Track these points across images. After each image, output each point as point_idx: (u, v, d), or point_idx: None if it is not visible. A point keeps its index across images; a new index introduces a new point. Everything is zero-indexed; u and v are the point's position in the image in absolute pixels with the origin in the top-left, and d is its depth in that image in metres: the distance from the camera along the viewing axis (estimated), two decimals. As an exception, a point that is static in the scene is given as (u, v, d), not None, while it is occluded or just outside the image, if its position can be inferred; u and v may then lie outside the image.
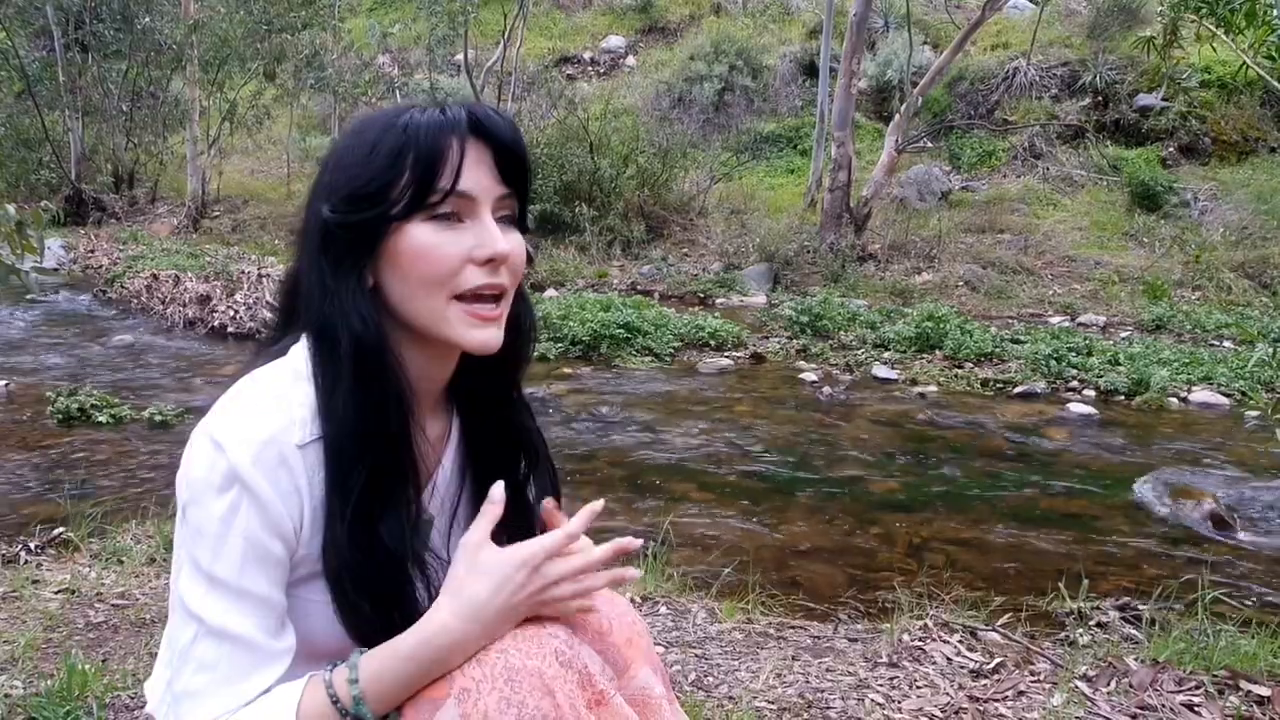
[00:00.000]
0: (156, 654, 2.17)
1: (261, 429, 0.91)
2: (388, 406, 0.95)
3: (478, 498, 1.08)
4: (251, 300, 7.92)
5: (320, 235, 0.96)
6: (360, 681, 0.91)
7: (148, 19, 13.73)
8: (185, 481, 0.91)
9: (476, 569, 0.95)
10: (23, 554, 2.89)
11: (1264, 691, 2.04)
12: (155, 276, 8.65)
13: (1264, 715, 1.96)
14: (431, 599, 0.98)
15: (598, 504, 1.04)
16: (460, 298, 0.95)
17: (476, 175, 0.95)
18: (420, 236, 0.93)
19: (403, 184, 0.92)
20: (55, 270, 9.99)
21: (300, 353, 0.98)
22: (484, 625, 0.93)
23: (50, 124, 13.76)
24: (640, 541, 1.05)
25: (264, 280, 8.30)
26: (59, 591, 2.56)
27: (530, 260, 1.08)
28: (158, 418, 5.05)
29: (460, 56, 14.72)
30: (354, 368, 0.94)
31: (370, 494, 0.94)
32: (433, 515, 1.04)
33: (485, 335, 0.96)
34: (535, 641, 0.93)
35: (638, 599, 2.64)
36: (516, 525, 1.10)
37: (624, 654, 1.04)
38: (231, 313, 7.73)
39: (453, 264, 0.94)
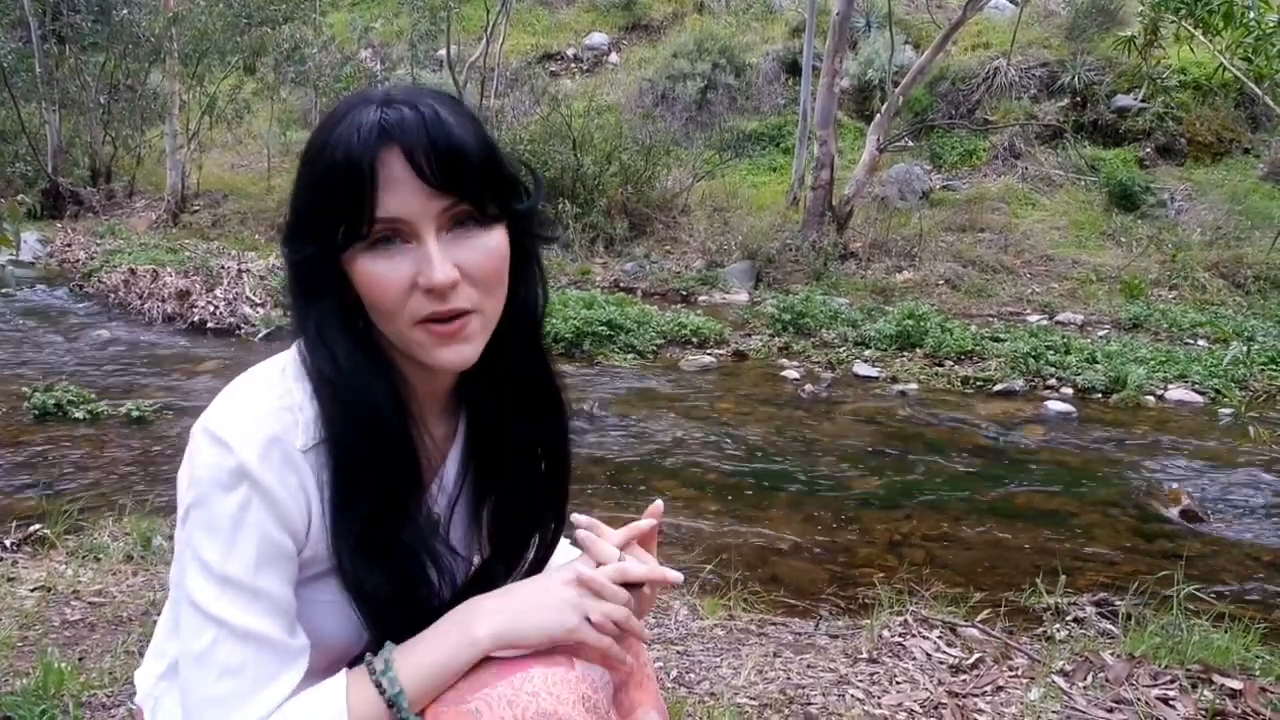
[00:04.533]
0: (134, 652, 2.16)
1: (266, 427, 0.89)
2: (379, 422, 0.93)
3: (477, 492, 1.08)
4: (232, 295, 7.86)
5: (288, 264, 0.95)
6: (395, 671, 0.90)
7: (125, 11, 13.53)
8: (190, 480, 0.89)
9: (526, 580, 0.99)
10: (-2, 551, 2.86)
11: (1236, 685, 2.07)
12: (133, 271, 8.55)
13: (1236, 708, 1.99)
14: (446, 587, 0.99)
15: (649, 520, 1.04)
16: (419, 322, 0.90)
17: (398, 196, 0.86)
18: (364, 268, 0.88)
19: (331, 221, 0.87)
20: (31, 264, 9.86)
21: (299, 354, 0.96)
22: (513, 601, 0.94)
23: (26, 116, 13.55)
24: (680, 577, 1.03)
25: (244, 275, 8.24)
26: (35, 589, 2.53)
27: (552, 239, 1.04)
28: (135, 414, 5.00)
29: (443, 52, 14.64)
30: (336, 399, 0.92)
31: (382, 503, 0.93)
32: (439, 515, 1.03)
33: (450, 355, 0.91)
34: (566, 685, 0.92)
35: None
36: (519, 531, 1.10)
37: (633, 696, 1.06)
38: (211, 308, 7.66)
39: (398, 294, 0.88)
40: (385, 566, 0.93)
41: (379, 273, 0.88)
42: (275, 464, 0.88)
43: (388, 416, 0.93)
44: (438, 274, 0.87)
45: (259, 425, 0.89)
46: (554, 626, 0.92)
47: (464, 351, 0.92)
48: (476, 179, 0.89)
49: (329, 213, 0.88)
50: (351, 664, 0.99)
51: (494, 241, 0.92)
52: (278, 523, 0.89)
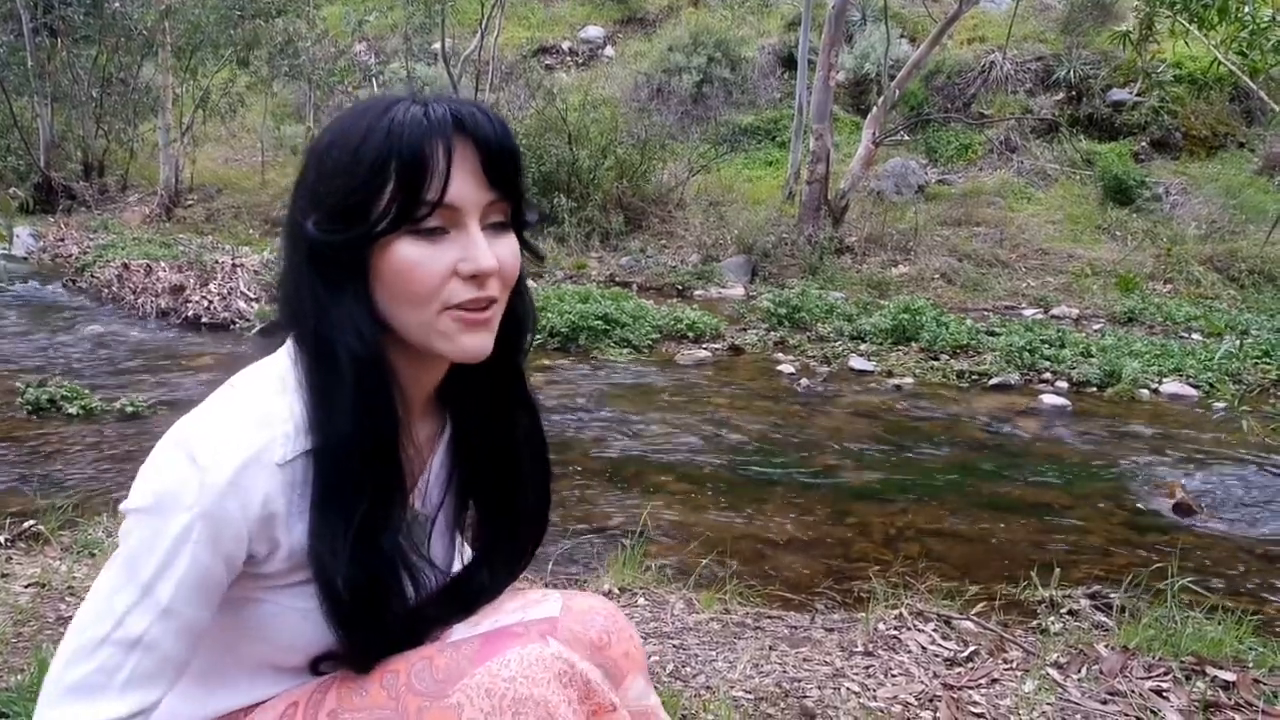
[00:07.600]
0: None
1: (244, 448, 0.88)
2: (383, 420, 0.93)
3: (461, 498, 1.10)
4: (226, 290, 7.83)
5: (307, 248, 0.91)
6: None
7: (118, 4, 13.47)
8: (150, 487, 0.88)
9: None
10: (-8, 547, 2.85)
11: (1229, 677, 2.08)
12: (126, 266, 8.52)
13: (1229, 700, 2.00)
14: (418, 596, 1.00)
15: None
16: (449, 309, 0.91)
17: (462, 185, 0.89)
18: (404, 253, 0.89)
19: (386, 199, 0.88)
20: (24, 259, 9.82)
21: (287, 360, 0.95)
22: None
23: (18, 110, 13.50)
24: None
25: (238, 270, 8.21)
26: (29, 585, 2.52)
27: (540, 257, 1.07)
28: (129, 409, 4.99)
29: (437, 45, 14.60)
30: (355, 385, 0.91)
31: (367, 506, 0.93)
32: (424, 516, 1.04)
33: (475, 342, 0.93)
34: (541, 664, 0.93)
35: (616, 590, 2.64)
36: (504, 536, 1.11)
37: (620, 666, 1.09)
38: (206, 303, 7.63)
39: (437, 280, 0.90)
40: (364, 573, 0.93)
41: (422, 258, 0.90)
42: (241, 490, 0.88)
43: (394, 410, 0.95)
44: (485, 259, 0.90)
45: (237, 448, 0.88)
46: None
47: (487, 340, 0.94)
48: (517, 184, 0.95)
49: (387, 191, 0.88)
50: (315, 662, 0.99)
51: (515, 245, 0.97)
52: (219, 553, 0.88)
